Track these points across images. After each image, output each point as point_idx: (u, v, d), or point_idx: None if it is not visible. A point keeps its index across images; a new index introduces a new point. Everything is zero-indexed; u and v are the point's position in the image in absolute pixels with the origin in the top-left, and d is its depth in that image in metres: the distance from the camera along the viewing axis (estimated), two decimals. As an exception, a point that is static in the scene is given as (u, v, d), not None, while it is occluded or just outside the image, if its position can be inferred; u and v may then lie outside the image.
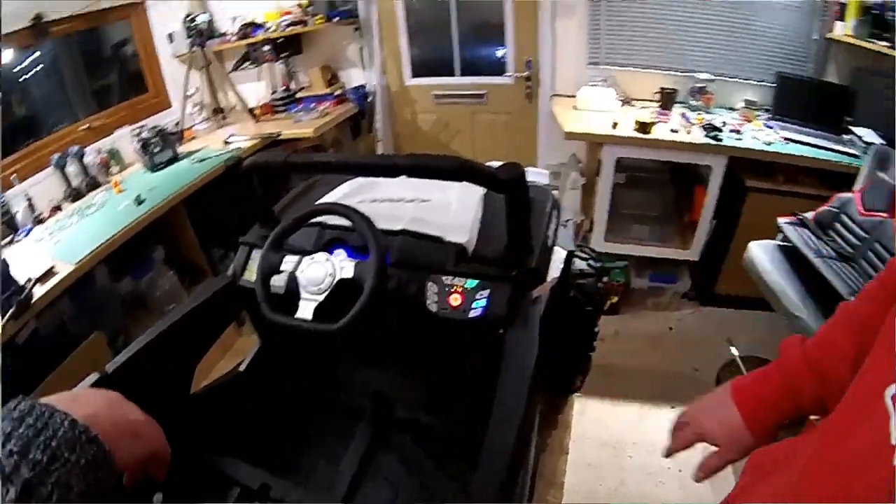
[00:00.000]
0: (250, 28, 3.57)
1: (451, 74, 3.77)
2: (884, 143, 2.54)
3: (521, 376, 1.17)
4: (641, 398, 2.57)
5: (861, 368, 0.46)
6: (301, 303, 1.27)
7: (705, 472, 0.80)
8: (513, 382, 1.16)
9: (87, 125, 3.09)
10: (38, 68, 2.96)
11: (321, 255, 1.32)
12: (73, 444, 0.40)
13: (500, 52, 3.64)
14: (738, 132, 2.87)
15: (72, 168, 2.86)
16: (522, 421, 1.09)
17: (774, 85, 3.11)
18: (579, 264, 2.11)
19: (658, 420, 2.46)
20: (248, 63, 3.73)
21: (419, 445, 1.71)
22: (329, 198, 1.65)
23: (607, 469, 2.27)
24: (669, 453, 0.87)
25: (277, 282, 1.30)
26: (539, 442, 2.22)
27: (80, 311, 2.46)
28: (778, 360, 0.77)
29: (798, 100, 3.03)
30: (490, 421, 1.07)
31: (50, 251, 2.33)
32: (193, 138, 3.51)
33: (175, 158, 3.11)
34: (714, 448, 0.81)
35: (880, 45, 2.59)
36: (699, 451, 2.15)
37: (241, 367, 1.76)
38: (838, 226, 2.25)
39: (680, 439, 0.85)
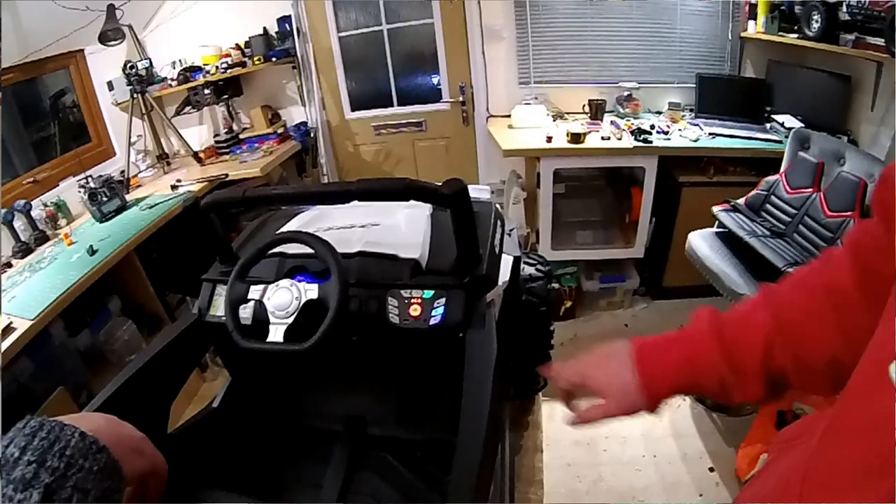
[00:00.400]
0: (190, 72, 3.59)
1: (390, 105, 3.86)
2: (803, 125, 2.75)
3: (484, 373, 1.25)
4: (607, 395, 2.66)
5: (870, 341, 0.43)
6: (271, 327, 1.32)
7: (583, 420, 0.77)
8: (477, 379, 1.23)
9: (32, 178, 3.04)
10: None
11: (285, 281, 1.37)
12: (86, 452, 0.43)
13: (434, 80, 3.76)
14: (665, 133, 3.04)
15: (19, 223, 2.81)
16: (490, 412, 1.16)
17: (695, 86, 3.32)
18: (528, 270, 2.21)
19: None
20: (189, 107, 3.74)
21: (396, 459, 1.75)
22: (283, 231, 1.70)
23: (584, 465, 2.34)
24: (549, 372, 0.85)
25: (246, 311, 1.36)
26: (513, 442, 2.29)
27: (40, 368, 2.41)
28: (687, 331, 0.73)
29: (719, 97, 3.26)
30: (460, 417, 1.13)
31: (5, 308, 2.27)
32: (140, 185, 3.48)
33: (124, 207, 3.09)
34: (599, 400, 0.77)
35: (790, 38, 2.82)
36: (672, 440, 2.27)
37: (214, 404, 1.78)
38: (769, 206, 2.45)
39: (563, 377, 0.81)
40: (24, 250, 2.79)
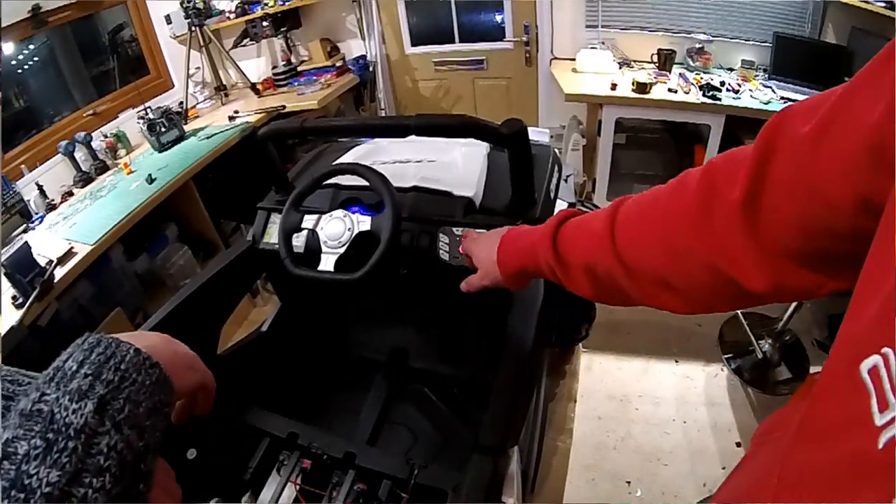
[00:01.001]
0: (248, 5, 3.57)
1: (451, 41, 3.77)
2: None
3: (528, 317, 1.24)
4: (646, 353, 2.62)
5: (839, 335, 0.41)
6: (322, 256, 1.33)
7: (466, 286, 0.96)
8: (520, 322, 1.22)
9: (92, 111, 3.12)
10: (35, 60, 2.97)
11: (339, 212, 1.37)
12: (140, 367, 0.44)
13: (498, 18, 3.63)
14: (735, 92, 2.88)
15: (80, 154, 2.90)
16: (530, 356, 1.16)
17: (772, 45, 3.09)
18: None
19: (662, 373, 2.53)
20: (247, 39, 3.73)
21: (434, 393, 1.78)
22: (339, 163, 1.69)
23: (614, 420, 2.33)
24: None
25: (299, 239, 1.37)
26: (548, 389, 2.28)
27: (99, 291, 2.52)
28: (541, 225, 0.82)
29: (796, 60, 3.02)
30: (501, 356, 1.14)
31: (67, 234, 2.36)
32: (198, 116, 3.54)
33: (182, 137, 3.14)
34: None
35: (877, 6, 2.58)
36: (704, 408, 2.22)
37: (264, 328, 1.82)
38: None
39: (462, 248, 1.01)
40: (84, 179, 2.88)
